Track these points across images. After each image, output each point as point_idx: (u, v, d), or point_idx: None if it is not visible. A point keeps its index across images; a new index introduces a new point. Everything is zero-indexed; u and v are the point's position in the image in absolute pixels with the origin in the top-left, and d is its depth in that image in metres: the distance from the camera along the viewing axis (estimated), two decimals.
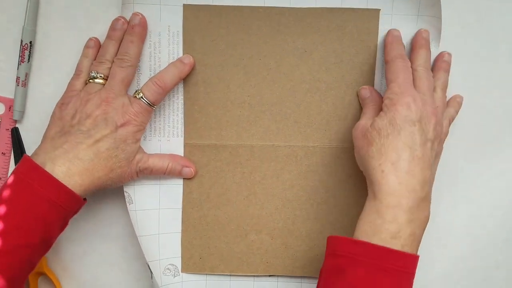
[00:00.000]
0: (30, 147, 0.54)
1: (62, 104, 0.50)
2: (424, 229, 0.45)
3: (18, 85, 0.53)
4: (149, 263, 0.53)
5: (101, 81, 0.49)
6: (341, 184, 0.54)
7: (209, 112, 0.53)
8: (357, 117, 0.53)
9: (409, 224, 0.43)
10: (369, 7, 0.51)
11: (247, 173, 0.54)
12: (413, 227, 0.43)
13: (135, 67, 0.50)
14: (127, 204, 0.52)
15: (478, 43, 0.54)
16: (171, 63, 0.51)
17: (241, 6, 0.51)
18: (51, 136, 0.49)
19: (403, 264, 0.42)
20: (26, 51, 0.52)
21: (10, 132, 0.54)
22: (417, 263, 0.43)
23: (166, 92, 0.50)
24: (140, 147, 0.51)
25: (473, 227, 0.56)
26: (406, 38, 0.52)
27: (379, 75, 0.53)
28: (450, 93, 0.53)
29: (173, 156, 0.53)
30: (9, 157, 0.55)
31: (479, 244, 0.56)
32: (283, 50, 0.52)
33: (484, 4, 0.53)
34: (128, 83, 0.50)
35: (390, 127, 0.45)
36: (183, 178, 0.54)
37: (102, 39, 0.52)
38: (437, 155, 0.48)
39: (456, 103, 0.53)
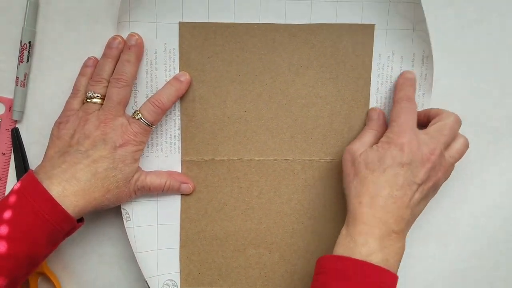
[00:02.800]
0: (30, 147, 0.55)
1: (60, 123, 0.50)
2: (399, 260, 0.45)
3: (17, 85, 0.53)
4: (147, 280, 0.53)
5: (98, 100, 0.50)
6: (338, 197, 0.54)
7: (206, 128, 0.53)
8: (354, 131, 0.53)
9: (381, 250, 0.44)
10: (363, 22, 0.52)
11: (244, 188, 0.54)
12: (385, 254, 0.44)
13: (132, 86, 0.51)
14: (125, 221, 0.53)
15: (478, 43, 0.54)
16: (168, 82, 0.52)
17: (236, 23, 0.51)
18: (50, 156, 0.49)
19: (382, 280, 0.43)
20: (25, 51, 0.53)
21: (10, 132, 0.55)
22: (396, 283, 0.44)
23: (164, 112, 0.51)
24: (138, 166, 0.52)
25: (473, 227, 0.56)
26: (401, 53, 0.52)
27: (375, 89, 0.53)
28: (450, 95, 0.54)
29: (170, 173, 0.53)
30: (9, 157, 0.55)
31: (479, 244, 0.56)
32: (279, 66, 0.52)
33: (484, 4, 0.53)
34: (125, 103, 0.50)
35: (378, 164, 0.46)
36: (181, 194, 0.54)
37: (102, 40, 0.52)
38: (426, 196, 0.48)
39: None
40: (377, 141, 0.50)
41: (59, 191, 0.46)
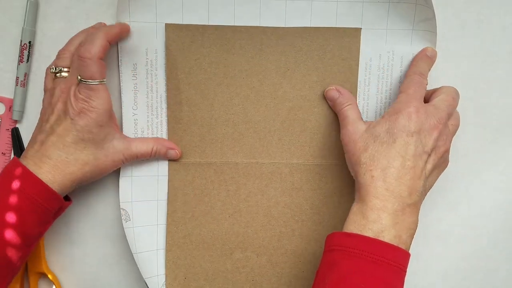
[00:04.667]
0: None
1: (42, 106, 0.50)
2: (412, 235, 0.45)
3: (17, 85, 0.54)
4: (146, 280, 0.53)
5: (66, 74, 0.48)
6: (326, 200, 0.54)
7: (194, 131, 0.53)
8: None
9: (394, 226, 0.43)
10: (363, 24, 0.52)
11: (232, 190, 0.54)
12: (397, 230, 0.43)
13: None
14: (124, 221, 0.52)
15: (478, 44, 0.54)
16: (91, 27, 0.51)
17: (224, 25, 0.52)
18: (31, 139, 0.49)
19: (393, 258, 0.42)
20: (25, 51, 0.53)
21: (10, 132, 0.55)
22: (408, 260, 0.43)
23: (99, 60, 0.46)
24: (117, 133, 0.50)
25: (473, 227, 0.56)
26: (400, 53, 0.53)
27: (361, 93, 0.53)
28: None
29: (157, 139, 0.52)
30: (9, 157, 0.55)
31: (479, 244, 0.56)
32: (266, 69, 0.53)
33: (484, 4, 0.54)
34: None
35: (387, 135, 0.45)
36: (168, 197, 0.54)
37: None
38: (437, 166, 0.48)
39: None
40: (358, 113, 0.50)
41: (35, 170, 0.46)
